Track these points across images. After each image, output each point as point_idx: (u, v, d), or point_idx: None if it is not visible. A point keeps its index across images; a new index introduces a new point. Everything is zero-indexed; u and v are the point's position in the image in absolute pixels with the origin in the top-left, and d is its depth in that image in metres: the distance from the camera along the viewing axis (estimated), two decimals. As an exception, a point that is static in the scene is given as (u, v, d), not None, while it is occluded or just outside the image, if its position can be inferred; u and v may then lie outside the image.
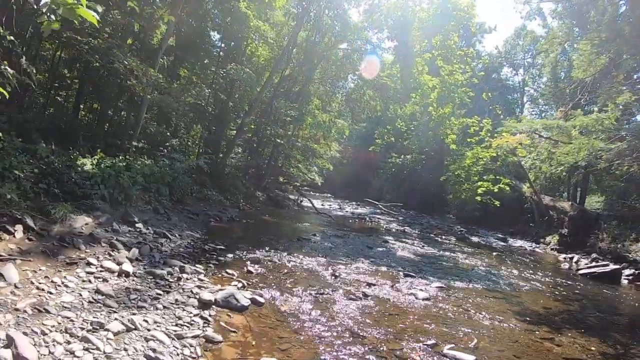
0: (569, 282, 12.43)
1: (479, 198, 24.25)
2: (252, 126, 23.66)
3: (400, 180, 40.79)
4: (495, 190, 23.30)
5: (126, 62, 13.41)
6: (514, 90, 49.40)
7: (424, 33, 25.07)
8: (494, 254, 16.50)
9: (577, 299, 10.50)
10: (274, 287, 7.59)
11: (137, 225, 9.58)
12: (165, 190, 13.06)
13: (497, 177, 24.05)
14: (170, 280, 6.85)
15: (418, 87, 25.34)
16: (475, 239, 21.24)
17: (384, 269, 10.57)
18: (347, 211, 26.43)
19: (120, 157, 12.05)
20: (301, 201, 25.12)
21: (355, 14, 30.99)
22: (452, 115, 24.75)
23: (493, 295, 9.48)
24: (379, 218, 24.55)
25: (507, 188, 23.32)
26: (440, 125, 24.89)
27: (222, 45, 23.68)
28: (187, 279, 7.07)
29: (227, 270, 7.97)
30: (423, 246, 15.61)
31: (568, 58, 30.14)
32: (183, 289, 6.58)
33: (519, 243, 22.27)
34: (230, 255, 9.21)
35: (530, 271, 13.44)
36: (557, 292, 10.90)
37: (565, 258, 18.66)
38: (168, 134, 20.24)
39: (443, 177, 29.60)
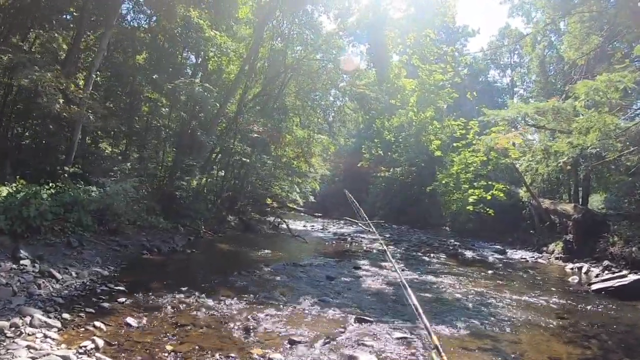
0: (581, 306, 9.48)
1: (470, 208, 21.32)
2: (215, 145, 20.95)
3: (392, 195, 37.94)
4: (489, 197, 20.40)
5: (34, 77, 11.26)
6: (503, 92, 46.47)
7: (398, 34, 22.42)
8: (490, 272, 13.59)
9: (595, 334, 7.57)
10: (144, 352, 5.31)
11: (22, 262, 8.14)
12: (87, 219, 11.31)
13: (490, 182, 21.14)
14: (9, 335, 5.28)
15: (397, 92, 22.69)
16: (469, 254, 18.31)
17: (331, 311, 7.72)
18: (329, 232, 23.61)
19: (36, 185, 10.68)
20: (279, 224, 22.34)
21: (328, 23, 28.49)
22: (435, 119, 21.96)
23: (481, 344, 6.59)
24: (362, 237, 21.67)
25: (502, 194, 20.42)
26: (422, 130, 22.12)
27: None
28: (29, 334, 5.42)
29: (96, 323, 5.96)
30: (402, 270, 12.67)
31: (556, 50, 27.50)
32: (7, 349, 4.92)
33: (519, 254, 19.32)
34: (122, 300, 7.23)
35: (533, 293, 10.53)
36: (568, 325, 7.96)
37: (572, 269, 15.77)
38: (120, 157, 18.42)
39: (430, 187, 26.70)
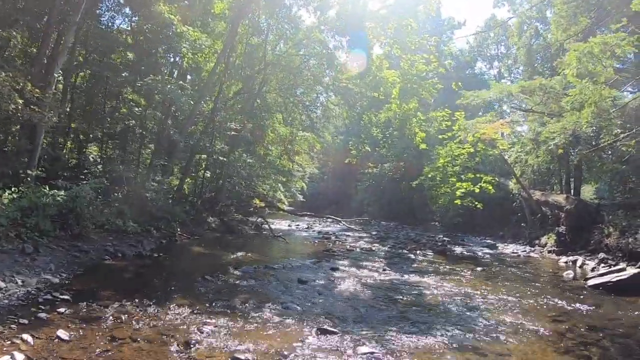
0: (578, 306, 8.43)
1: (458, 202, 20.22)
2: (189, 144, 19.78)
3: (381, 191, 36.82)
4: (477, 190, 19.33)
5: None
6: (490, 85, 44.46)
7: (379, 25, 21.31)
8: (478, 269, 12.54)
9: (595, 340, 6.53)
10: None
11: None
12: (46, 224, 10.47)
13: (478, 175, 20.07)
14: None
15: (379, 85, 21.61)
16: (458, 249, 17.30)
17: (293, 321, 6.69)
18: (314, 231, 22.47)
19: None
20: (261, 224, 21.23)
21: (308, 17, 27.45)
22: (420, 111, 20.83)
23: (465, 357, 5.51)
24: (347, 236, 20.58)
25: (490, 187, 19.31)
26: (405, 123, 20.97)
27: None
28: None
29: (24, 336, 5.27)
30: (384, 270, 11.66)
31: (543, 39, 26.44)
32: None
33: (510, 248, 18.34)
34: (63, 310, 6.41)
35: (525, 292, 9.50)
36: (564, 331, 6.91)
37: (566, 263, 14.81)
38: (92, 159, 17.61)
39: (415, 182, 25.58)
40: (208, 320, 6.40)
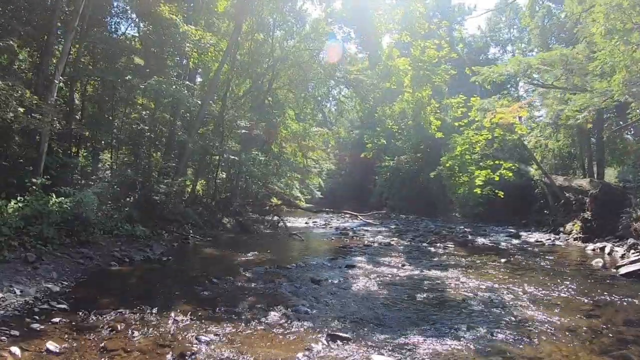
0: (612, 297, 7.75)
1: (478, 191, 19.46)
2: (197, 145, 19.38)
3: (399, 184, 36.04)
4: (497, 178, 18.57)
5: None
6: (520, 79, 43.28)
7: (387, 12, 20.63)
8: (502, 260, 11.85)
9: (636, 336, 5.87)
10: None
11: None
12: (50, 232, 10.19)
13: (497, 162, 19.29)
14: None
15: (390, 74, 20.95)
16: (480, 240, 16.56)
17: (301, 325, 6.18)
18: (331, 227, 21.87)
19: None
20: (277, 222, 20.77)
21: (314, 9, 26.98)
22: (434, 98, 20.14)
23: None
24: (365, 230, 19.99)
25: (510, 174, 18.57)
26: (420, 111, 20.27)
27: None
28: None
29: (12, 348, 5.00)
30: (403, 265, 11.04)
31: (556, 18, 25.41)
32: None
33: (534, 237, 17.54)
34: (57, 320, 6.07)
35: (552, 283, 8.85)
36: (600, 327, 6.26)
37: (594, 250, 14.03)
38: (100, 165, 17.40)
39: (434, 172, 24.79)
40: (209, 328, 5.95)
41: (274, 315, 6.58)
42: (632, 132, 17.91)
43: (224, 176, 22.22)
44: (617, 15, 8.59)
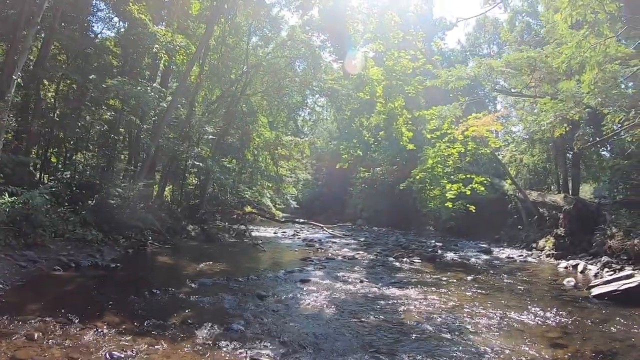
0: (583, 323, 6.99)
1: (449, 204, 18.72)
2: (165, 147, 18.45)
3: (374, 196, 35.29)
4: (468, 192, 17.88)
5: None
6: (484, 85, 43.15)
7: (361, 21, 19.96)
8: (469, 277, 11.05)
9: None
10: None
11: None
12: None
13: (469, 176, 18.63)
14: None
15: (364, 84, 20.29)
16: (450, 255, 15.80)
17: (228, 345, 5.45)
18: (299, 238, 20.95)
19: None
20: (243, 232, 19.82)
21: (290, 17, 26.31)
22: (407, 109, 19.42)
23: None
24: (333, 242, 19.10)
25: (482, 187, 17.89)
26: (392, 122, 19.55)
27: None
28: None
29: None
30: (361, 281, 10.15)
31: (534, 33, 25.09)
32: None
33: (505, 253, 16.83)
34: None
35: (518, 305, 8.06)
36: (564, 356, 5.44)
37: (566, 268, 13.34)
38: (60, 166, 16.79)
39: (402, 185, 24.06)
40: (128, 343, 5.32)
41: (202, 333, 5.87)
42: (609, 149, 17.40)
43: (195, 182, 21.33)
44: (587, 1, 7.48)
